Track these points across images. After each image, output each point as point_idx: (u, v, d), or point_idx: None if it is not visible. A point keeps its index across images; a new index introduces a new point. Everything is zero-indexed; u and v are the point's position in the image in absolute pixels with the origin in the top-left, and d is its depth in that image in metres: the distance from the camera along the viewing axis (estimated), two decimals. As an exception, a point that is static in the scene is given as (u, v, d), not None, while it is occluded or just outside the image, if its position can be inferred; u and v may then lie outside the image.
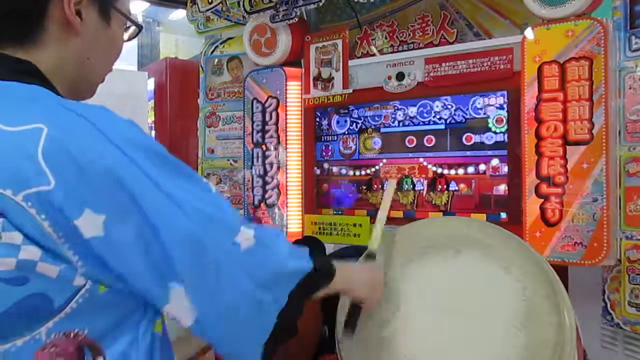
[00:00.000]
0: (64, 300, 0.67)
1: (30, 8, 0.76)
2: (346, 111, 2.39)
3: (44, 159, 0.64)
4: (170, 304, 0.71)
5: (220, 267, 0.73)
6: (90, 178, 0.65)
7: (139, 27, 0.92)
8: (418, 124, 2.19)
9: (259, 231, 0.79)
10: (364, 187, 2.33)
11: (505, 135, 1.98)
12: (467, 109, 2.07)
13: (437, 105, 2.13)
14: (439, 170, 2.13)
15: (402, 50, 2.35)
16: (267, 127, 2.53)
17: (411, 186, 2.20)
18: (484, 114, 2.02)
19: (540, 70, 1.78)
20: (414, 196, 2.19)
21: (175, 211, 0.69)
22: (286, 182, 2.50)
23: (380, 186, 2.28)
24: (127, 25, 0.91)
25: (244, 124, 2.64)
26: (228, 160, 2.83)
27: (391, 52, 2.39)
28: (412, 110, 2.20)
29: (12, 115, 0.67)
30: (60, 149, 0.65)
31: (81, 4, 0.79)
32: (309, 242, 1.59)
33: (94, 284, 0.68)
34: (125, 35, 0.91)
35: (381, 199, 1.38)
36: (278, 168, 2.50)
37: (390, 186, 1.33)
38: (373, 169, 2.31)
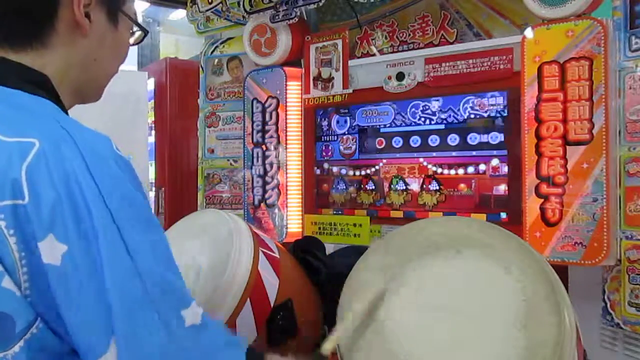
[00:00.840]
0: (24, 325, 0.65)
1: (41, 8, 0.77)
2: (346, 111, 2.39)
3: (26, 174, 0.64)
4: (107, 355, 0.66)
5: (156, 337, 0.69)
6: (63, 207, 0.65)
7: (145, 32, 0.93)
8: (418, 124, 2.19)
9: (206, 313, 0.77)
10: (364, 187, 2.33)
11: (505, 135, 1.98)
12: (467, 109, 2.07)
13: (437, 105, 2.13)
14: (439, 170, 2.13)
15: (402, 50, 2.35)
16: (267, 127, 2.53)
17: (411, 186, 2.20)
18: (484, 114, 2.02)
19: (540, 70, 1.78)
20: (414, 196, 2.19)
21: (130, 271, 0.67)
22: (286, 182, 2.50)
23: (380, 186, 2.28)
24: (134, 30, 0.91)
25: (244, 124, 2.64)
26: (228, 160, 2.83)
27: (391, 52, 2.39)
28: (412, 111, 2.20)
29: (10, 125, 0.67)
30: (43, 169, 0.65)
31: (90, 6, 0.80)
32: (309, 242, 1.59)
33: (37, 316, 0.66)
34: (132, 39, 0.92)
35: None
36: (278, 168, 2.50)
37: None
38: (373, 169, 2.31)
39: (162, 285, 0.70)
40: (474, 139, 2.05)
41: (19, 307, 0.65)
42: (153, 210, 3.44)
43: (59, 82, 0.79)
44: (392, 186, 2.24)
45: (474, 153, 2.05)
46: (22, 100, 0.72)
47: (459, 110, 2.08)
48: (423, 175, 2.17)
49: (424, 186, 2.16)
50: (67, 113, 0.80)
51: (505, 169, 1.98)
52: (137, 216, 0.70)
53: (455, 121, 2.09)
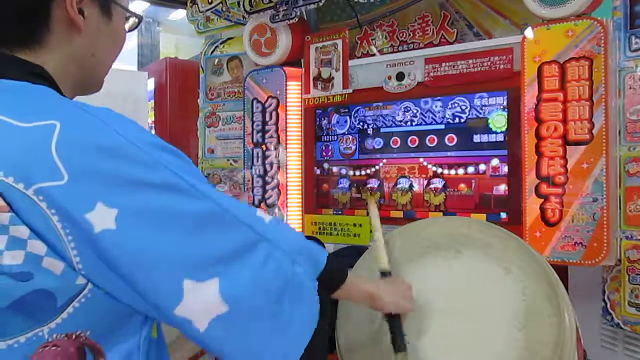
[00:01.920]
0: (66, 299, 0.66)
1: (34, 10, 0.77)
2: (346, 111, 2.39)
3: (57, 154, 0.64)
4: (185, 301, 0.68)
5: (248, 239, 0.75)
6: (105, 173, 0.65)
7: (139, 18, 0.94)
8: (418, 124, 2.19)
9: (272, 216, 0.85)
10: (364, 187, 2.33)
11: (505, 135, 1.98)
12: (467, 109, 2.07)
13: (437, 105, 2.13)
14: (439, 170, 2.13)
15: (402, 50, 2.35)
16: (267, 127, 2.53)
17: (411, 186, 2.20)
18: (484, 114, 2.02)
19: (540, 70, 1.78)
20: (414, 196, 2.19)
21: (199, 197, 0.72)
22: (286, 182, 2.50)
23: (380, 186, 2.28)
24: (127, 16, 0.92)
25: (244, 124, 2.64)
26: (228, 160, 2.83)
27: (391, 52, 2.39)
28: (412, 111, 2.20)
29: (25, 112, 0.68)
30: (74, 145, 0.65)
31: (83, 2, 0.80)
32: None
33: (94, 286, 0.67)
34: (127, 26, 0.92)
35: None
36: (278, 168, 2.50)
37: (372, 206, 1.33)
38: (373, 169, 2.31)
39: (229, 200, 0.76)
40: (474, 139, 2.05)
41: (59, 285, 0.66)
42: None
43: (59, 78, 0.79)
44: (397, 186, 2.23)
45: (474, 153, 2.05)
46: (30, 89, 0.73)
47: (458, 110, 2.08)
48: (423, 176, 2.17)
49: (431, 186, 2.15)
50: None
51: (505, 169, 1.98)
52: (178, 157, 0.74)
53: (455, 121, 2.09)
